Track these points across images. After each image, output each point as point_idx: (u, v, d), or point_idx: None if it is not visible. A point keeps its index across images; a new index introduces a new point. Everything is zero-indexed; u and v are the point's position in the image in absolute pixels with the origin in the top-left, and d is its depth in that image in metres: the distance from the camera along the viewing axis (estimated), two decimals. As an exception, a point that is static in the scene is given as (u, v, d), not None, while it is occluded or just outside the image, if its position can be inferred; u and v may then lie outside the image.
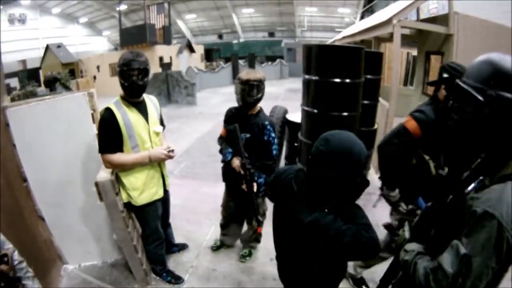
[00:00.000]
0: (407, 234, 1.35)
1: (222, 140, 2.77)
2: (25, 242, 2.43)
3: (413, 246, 1.26)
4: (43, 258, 2.75)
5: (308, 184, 1.45)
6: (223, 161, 2.71)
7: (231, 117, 2.75)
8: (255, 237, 3.16)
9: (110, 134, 2.29)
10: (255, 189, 2.58)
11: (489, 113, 1.02)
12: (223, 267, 3.05)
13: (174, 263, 3.09)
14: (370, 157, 4.80)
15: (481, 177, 1.11)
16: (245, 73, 2.55)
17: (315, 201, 1.41)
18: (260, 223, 2.75)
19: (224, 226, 3.21)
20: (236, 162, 2.55)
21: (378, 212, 4.04)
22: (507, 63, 1.02)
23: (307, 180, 1.46)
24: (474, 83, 1.06)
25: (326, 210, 1.37)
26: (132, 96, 2.39)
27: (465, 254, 0.99)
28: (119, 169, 2.43)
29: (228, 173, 2.74)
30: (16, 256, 1.74)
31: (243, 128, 2.59)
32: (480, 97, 1.03)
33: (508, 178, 1.02)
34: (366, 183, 1.36)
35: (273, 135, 2.63)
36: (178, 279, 2.86)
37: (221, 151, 2.71)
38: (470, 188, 1.12)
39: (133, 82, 2.29)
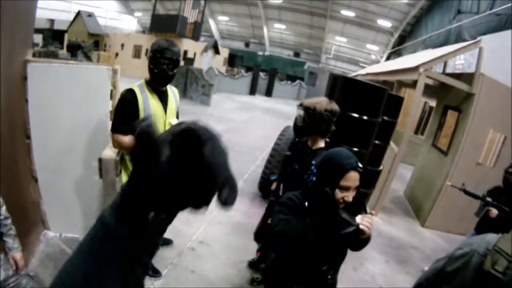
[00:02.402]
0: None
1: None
2: (14, 199, 2.37)
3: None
4: (27, 219, 2.71)
5: None
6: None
7: (294, 146, 2.53)
8: None
9: (126, 115, 2.26)
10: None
11: None
12: (202, 271, 3.00)
13: (155, 255, 3.03)
14: (368, 196, 4.77)
15: None
16: (326, 103, 2.25)
17: None
18: None
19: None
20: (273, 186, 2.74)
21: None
22: None
23: None
24: None
25: None
26: (158, 84, 2.38)
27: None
28: (126, 151, 2.40)
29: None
30: (3, 211, 1.70)
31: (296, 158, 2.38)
32: None
33: None
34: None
35: (313, 179, 2.00)
36: (155, 272, 2.80)
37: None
38: None
39: (163, 70, 2.29)
